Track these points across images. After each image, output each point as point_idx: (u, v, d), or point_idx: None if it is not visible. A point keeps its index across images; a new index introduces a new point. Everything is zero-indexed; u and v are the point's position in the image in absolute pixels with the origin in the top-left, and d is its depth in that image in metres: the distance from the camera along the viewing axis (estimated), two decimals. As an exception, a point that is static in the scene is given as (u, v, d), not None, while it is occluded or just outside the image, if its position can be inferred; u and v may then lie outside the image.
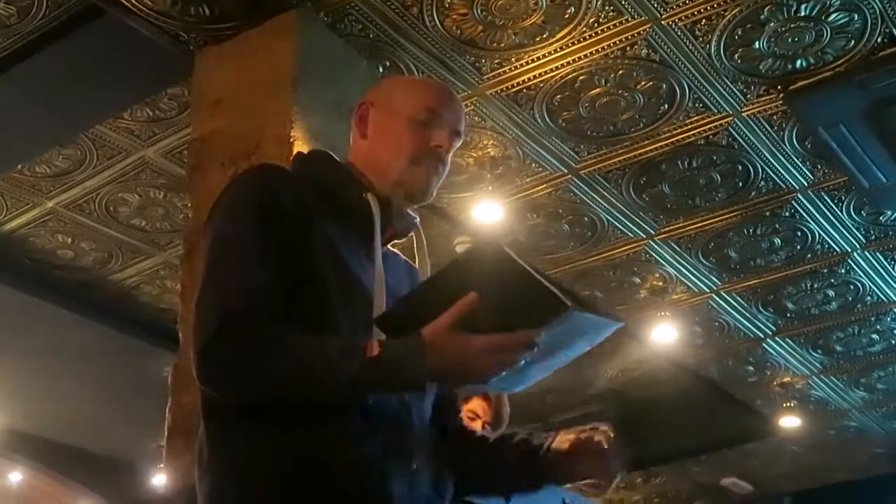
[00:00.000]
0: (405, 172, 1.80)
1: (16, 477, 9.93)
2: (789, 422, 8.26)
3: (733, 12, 4.24)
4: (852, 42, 4.41)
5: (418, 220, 1.90)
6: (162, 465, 5.74)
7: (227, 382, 1.55)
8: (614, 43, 4.39)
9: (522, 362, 1.52)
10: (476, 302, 1.48)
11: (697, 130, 4.97)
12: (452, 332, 1.48)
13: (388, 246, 1.87)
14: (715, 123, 4.92)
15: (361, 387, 1.49)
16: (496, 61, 4.49)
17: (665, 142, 5.04)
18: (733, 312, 6.68)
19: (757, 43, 4.41)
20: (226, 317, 1.54)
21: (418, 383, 1.51)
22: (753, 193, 5.46)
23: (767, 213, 5.65)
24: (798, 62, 4.53)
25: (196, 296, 1.61)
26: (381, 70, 4.31)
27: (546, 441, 1.84)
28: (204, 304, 1.58)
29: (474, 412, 4.08)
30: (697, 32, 4.35)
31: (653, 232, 5.82)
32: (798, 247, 5.97)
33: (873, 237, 5.91)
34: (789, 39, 4.39)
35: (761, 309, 6.66)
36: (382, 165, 1.81)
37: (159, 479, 8.19)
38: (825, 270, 6.24)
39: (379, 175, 1.80)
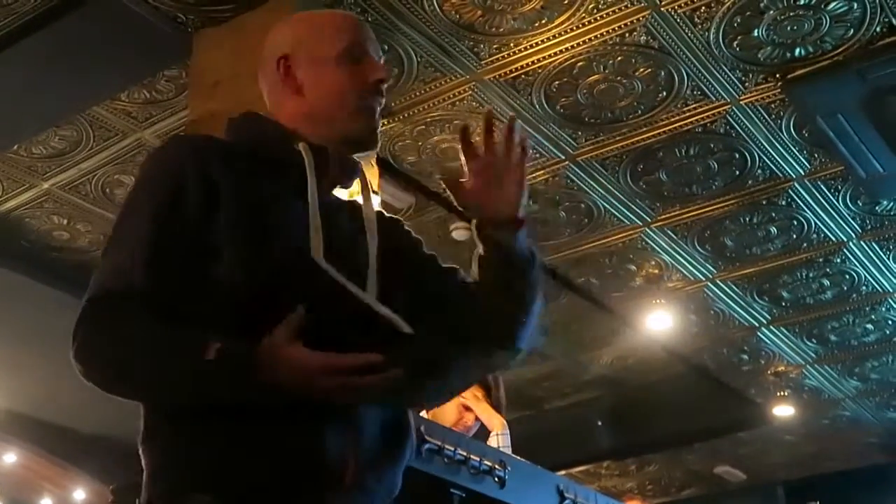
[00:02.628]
0: (352, 119, 1.68)
1: (10, 458, 9.95)
2: (783, 410, 8.29)
3: (732, 0, 4.24)
4: (851, 31, 4.41)
5: (361, 163, 1.75)
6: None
7: (82, 369, 1.51)
8: (613, 29, 4.39)
9: (390, 384, 1.43)
10: (304, 317, 1.41)
11: (695, 118, 4.97)
12: (286, 347, 1.40)
13: (336, 193, 1.74)
14: (713, 111, 4.91)
15: (193, 388, 1.44)
16: (495, 46, 4.49)
17: (663, 129, 5.04)
18: (728, 301, 6.70)
19: (756, 31, 4.41)
20: (90, 300, 1.53)
21: (249, 396, 1.42)
22: (750, 182, 5.47)
23: (764, 202, 5.65)
24: (797, 50, 4.53)
25: None
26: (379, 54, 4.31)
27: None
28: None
29: (465, 399, 4.09)
30: (696, 19, 4.34)
31: (649, 219, 5.82)
32: (794, 236, 5.98)
33: (869, 227, 5.92)
34: (788, 27, 4.39)
35: (756, 297, 6.67)
36: (325, 118, 1.68)
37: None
38: (821, 260, 6.25)
39: (322, 128, 1.67)
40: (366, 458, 1.52)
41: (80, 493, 10.13)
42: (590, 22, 4.34)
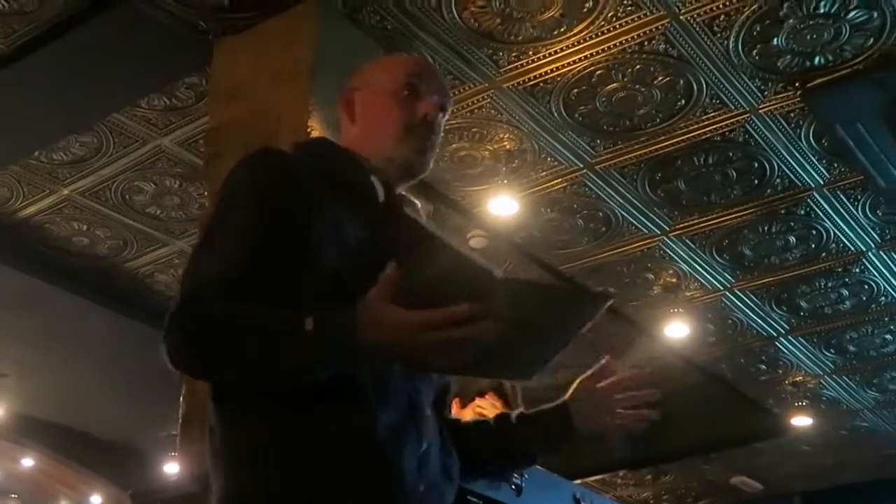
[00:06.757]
0: (396, 147, 1.78)
1: (28, 463, 10.00)
2: (801, 421, 8.25)
3: (752, 8, 4.23)
4: (871, 40, 4.40)
5: (419, 204, 1.86)
6: (174, 453, 5.76)
7: (180, 360, 1.54)
8: (632, 37, 4.39)
9: (486, 344, 1.42)
10: (398, 272, 1.41)
11: (714, 127, 4.95)
12: (385, 305, 1.41)
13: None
14: (732, 120, 4.90)
15: (299, 362, 1.46)
16: (513, 54, 4.49)
17: (681, 137, 5.03)
18: (746, 310, 6.67)
19: (775, 39, 4.40)
20: (187, 296, 1.54)
21: (353, 357, 1.45)
22: (769, 191, 5.45)
23: (783, 211, 5.63)
24: (816, 59, 4.51)
25: None
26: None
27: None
28: (179, 285, 1.60)
29: (482, 409, 4.07)
30: (716, 28, 4.34)
31: (667, 228, 5.81)
32: (813, 245, 5.96)
33: (889, 236, 5.89)
34: (808, 36, 4.38)
35: (775, 307, 6.65)
36: (374, 144, 1.79)
37: (170, 467, 8.25)
38: (840, 269, 6.22)
39: (373, 155, 1.78)
40: (430, 479, 1.59)
41: (96, 498, 10.18)
42: (609, 30, 4.34)
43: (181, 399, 3.74)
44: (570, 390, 1.87)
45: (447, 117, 1.92)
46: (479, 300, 1.40)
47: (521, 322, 1.47)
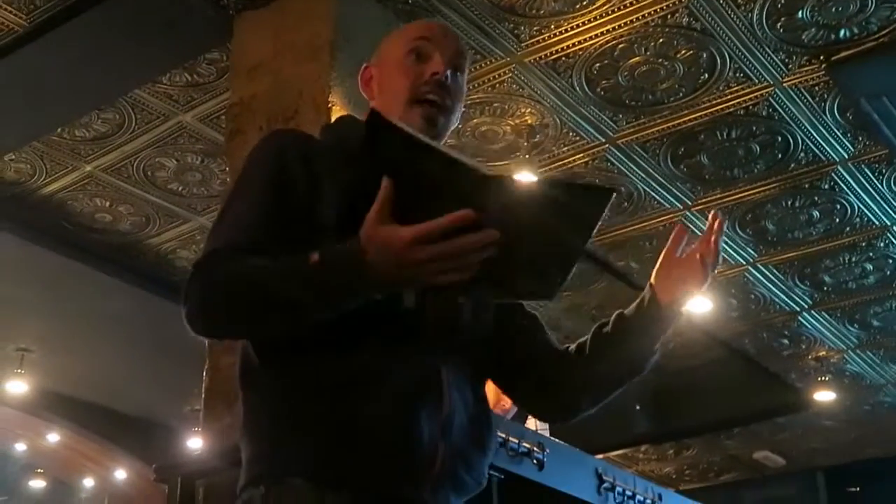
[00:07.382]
0: (406, 114, 1.75)
1: (53, 438, 10.09)
2: (824, 396, 8.23)
3: (776, -20, 4.20)
4: (897, 12, 4.36)
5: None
6: (198, 429, 5.80)
7: (197, 321, 1.56)
8: (655, 11, 4.35)
9: (484, 254, 1.36)
10: (390, 187, 1.36)
11: (737, 100, 4.92)
12: (380, 225, 1.37)
13: None
14: (755, 93, 4.87)
15: (309, 294, 1.44)
16: (535, 28, 4.46)
17: (704, 112, 5.00)
18: (769, 285, 6.65)
19: (800, 12, 4.36)
20: (199, 263, 1.58)
21: (363, 281, 1.41)
22: (793, 165, 5.42)
23: (806, 185, 5.60)
24: (841, 32, 4.47)
25: None
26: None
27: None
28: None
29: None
30: (739, 1, 4.30)
31: (690, 203, 5.78)
32: (837, 219, 5.92)
33: (914, 211, 5.86)
34: (833, 9, 4.33)
35: (798, 282, 6.62)
36: (388, 114, 1.73)
37: (194, 442, 8.30)
38: (864, 244, 6.18)
39: None
40: (455, 446, 1.57)
41: (120, 473, 10.27)
42: (631, 3, 4.31)
43: (204, 374, 3.75)
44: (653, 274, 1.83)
45: (464, 76, 1.88)
46: (473, 205, 1.33)
47: (521, 225, 1.38)
